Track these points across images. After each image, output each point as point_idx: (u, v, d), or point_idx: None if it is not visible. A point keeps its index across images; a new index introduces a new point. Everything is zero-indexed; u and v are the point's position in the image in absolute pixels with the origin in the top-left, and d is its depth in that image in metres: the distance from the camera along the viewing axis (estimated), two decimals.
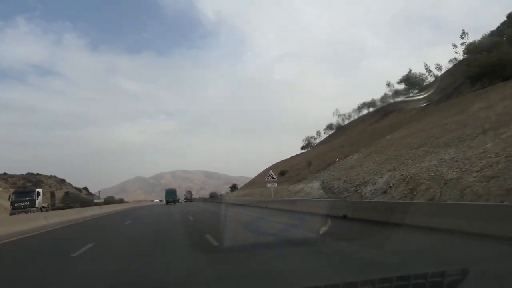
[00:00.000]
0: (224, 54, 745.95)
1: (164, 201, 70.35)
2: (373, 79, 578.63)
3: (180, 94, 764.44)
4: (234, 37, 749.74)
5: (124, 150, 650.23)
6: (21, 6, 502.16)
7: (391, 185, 18.70)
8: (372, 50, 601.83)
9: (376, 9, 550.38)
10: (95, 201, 60.21)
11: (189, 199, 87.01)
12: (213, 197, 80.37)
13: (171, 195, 68.60)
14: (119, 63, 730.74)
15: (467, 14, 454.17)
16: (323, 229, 10.46)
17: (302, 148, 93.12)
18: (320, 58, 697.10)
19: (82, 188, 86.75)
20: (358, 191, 21.33)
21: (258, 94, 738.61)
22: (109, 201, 71.39)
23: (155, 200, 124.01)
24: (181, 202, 76.72)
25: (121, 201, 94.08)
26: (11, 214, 31.78)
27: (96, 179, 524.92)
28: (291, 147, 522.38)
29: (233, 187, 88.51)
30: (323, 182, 28.84)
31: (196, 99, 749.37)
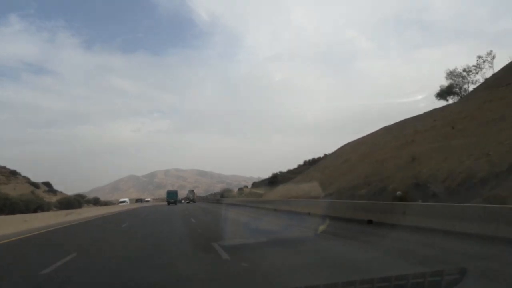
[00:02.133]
0: (218, 54, 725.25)
1: (166, 202, 69.76)
2: (365, 80, 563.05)
3: (174, 93, 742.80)
4: (228, 37, 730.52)
5: (117, 148, 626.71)
6: (15, 4, 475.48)
7: None
8: (363, 51, 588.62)
9: (367, 10, 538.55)
10: None
11: (191, 199, 77.61)
12: (227, 198, 65.80)
13: (172, 196, 69.02)
14: (113, 62, 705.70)
15: (455, 17, 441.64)
16: None
17: (439, 95, 43.28)
18: (313, 59, 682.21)
19: (42, 183, 64.54)
20: None
21: (251, 94, 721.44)
22: (68, 202, 48.00)
23: (121, 201, 77.64)
24: (182, 202, 72.79)
25: (96, 201, 70.69)
26: None
27: (89, 177, 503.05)
28: (285, 145, 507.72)
29: (273, 180, 66.76)
30: None
31: (189, 98, 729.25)
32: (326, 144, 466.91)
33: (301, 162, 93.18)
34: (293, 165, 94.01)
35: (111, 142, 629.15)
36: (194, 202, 74.50)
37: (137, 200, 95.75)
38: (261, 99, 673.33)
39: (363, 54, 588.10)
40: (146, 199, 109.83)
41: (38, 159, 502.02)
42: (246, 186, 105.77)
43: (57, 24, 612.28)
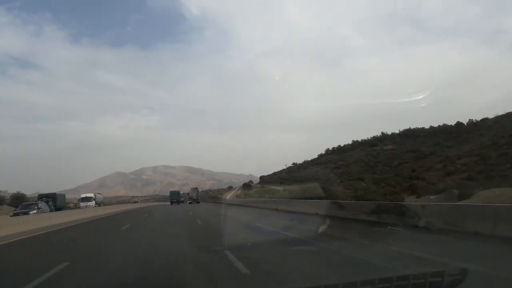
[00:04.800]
0: (209, 50, 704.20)
1: (169, 202, 68.07)
2: (358, 77, 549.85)
3: (164, 89, 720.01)
4: (219, 32, 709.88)
5: (105, 144, 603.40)
6: None
7: None
8: (356, 48, 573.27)
9: (360, 7, 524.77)
10: None
11: (194, 199, 65.64)
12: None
13: (175, 196, 67.88)
14: (101, 56, 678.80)
15: (447, 13, 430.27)
16: None
17: None
18: (305, 55, 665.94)
19: None
20: None
21: (242, 90, 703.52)
22: None
23: None
24: (184, 202, 66.62)
25: (19, 199, 45.15)
26: None
27: (75, 174, 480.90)
28: (277, 143, 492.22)
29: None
30: None
31: (179, 94, 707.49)
32: (321, 142, 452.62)
33: (322, 151, 76.71)
34: (306, 157, 77.42)
35: (98, 138, 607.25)
36: (198, 202, 62.06)
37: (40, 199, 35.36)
38: (253, 95, 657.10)
39: (357, 51, 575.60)
40: (85, 196, 49.89)
41: (23, 155, 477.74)
42: (251, 181, 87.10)
43: (44, 17, 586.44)
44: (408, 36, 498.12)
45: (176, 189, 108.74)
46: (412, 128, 69.04)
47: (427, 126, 64.48)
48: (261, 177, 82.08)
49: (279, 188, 54.04)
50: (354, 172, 49.79)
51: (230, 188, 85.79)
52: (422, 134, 63.74)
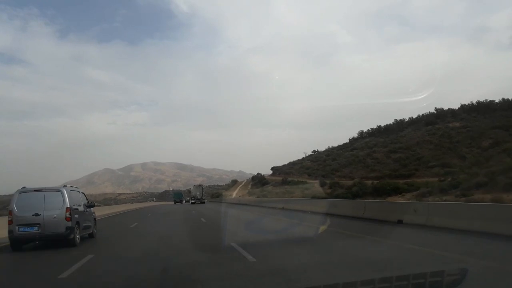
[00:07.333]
0: (197, 46, 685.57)
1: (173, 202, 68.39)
2: (345, 74, 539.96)
3: (152, 85, 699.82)
4: (207, 28, 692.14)
5: (92, 141, 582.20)
6: None
7: None
8: (343, 45, 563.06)
9: (347, 4, 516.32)
10: None
11: (199, 198, 52.34)
12: None
13: (178, 196, 70.60)
14: (88, 52, 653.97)
15: (433, 11, 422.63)
16: None
17: None
18: (293, 52, 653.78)
19: None
20: None
21: (231, 87, 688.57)
22: None
23: None
24: (188, 202, 58.31)
25: None
26: None
27: (62, 171, 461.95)
28: (267, 140, 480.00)
29: None
30: None
31: (168, 90, 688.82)
32: (311, 140, 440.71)
33: (322, 148, 61.61)
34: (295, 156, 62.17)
35: (86, 135, 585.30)
36: (203, 202, 49.88)
37: None
38: (242, 92, 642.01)
39: (345, 48, 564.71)
40: None
41: (9, 152, 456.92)
42: (260, 173, 70.85)
43: (30, 12, 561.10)
44: (391, 33, 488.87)
45: (165, 186, 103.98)
46: (479, 101, 54.40)
47: (497, 100, 50.46)
48: (274, 168, 64.91)
49: (314, 181, 38.37)
50: (430, 157, 34.52)
51: (235, 183, 70.00)
52: (498, 108, 49.16)
